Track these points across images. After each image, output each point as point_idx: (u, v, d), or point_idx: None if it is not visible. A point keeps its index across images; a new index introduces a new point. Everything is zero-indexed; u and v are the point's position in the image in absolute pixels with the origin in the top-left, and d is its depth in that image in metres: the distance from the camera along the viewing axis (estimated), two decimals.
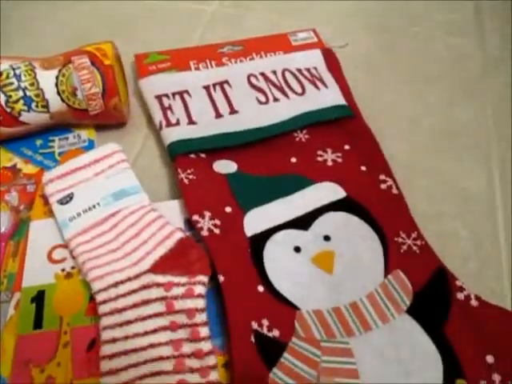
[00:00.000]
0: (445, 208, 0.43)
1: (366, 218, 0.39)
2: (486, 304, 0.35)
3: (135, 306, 0.33)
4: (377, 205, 0.40)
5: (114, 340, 0.32)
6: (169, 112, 0.45)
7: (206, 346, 0.32)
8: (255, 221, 0.39)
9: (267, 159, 0.43)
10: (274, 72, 0.49)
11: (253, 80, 0.48)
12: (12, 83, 0.41)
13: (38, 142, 0.46)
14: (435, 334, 0.33)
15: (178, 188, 0.40)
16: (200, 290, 0.34)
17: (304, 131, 0.45)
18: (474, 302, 0.35)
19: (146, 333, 0.32)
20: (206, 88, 0.47)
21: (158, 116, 0.45)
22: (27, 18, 0.60)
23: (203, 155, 0.42)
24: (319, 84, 0.48)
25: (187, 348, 0.32)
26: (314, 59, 0.51)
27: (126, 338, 0.32)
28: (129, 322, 0.33)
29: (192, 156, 0.42)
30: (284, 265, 0.36)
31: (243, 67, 0.50)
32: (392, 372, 0.32)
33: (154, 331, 0.32)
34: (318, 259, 0.37)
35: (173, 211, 0.40)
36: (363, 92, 0.49)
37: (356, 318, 0.34)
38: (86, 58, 0.42)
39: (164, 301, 0.34)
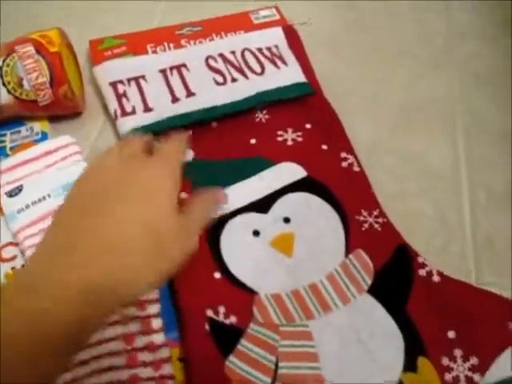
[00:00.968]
0: (409, 185, 0.42)
1: (326, 197, 0.38)
2: (449, 279, 0.34)
3: None
4: (338, 183, 0.39)
5: None
6: (124, 99, 0.43)
7: (158, 338, 0.31)
8: None
9: (226, 142, 0.42)
10: (233, 52, 0.47)
11: (211, 62, 0.46)
12: None
13: None
14: (397, 312, 0.33)
15: None
16: None
17: (264, 111, 0.44)
18: (436, 278, 0.34)
19: None
20: (163, 72, 0.45)
21: (112, 104, 0.43)
22: None
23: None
24: (279, 62, 0.46)
25: (140, 342, 0.30)
26: (274, 37, 0.49)
27: None
28: None
29: None
30: (242, 250, 0.35)
31: (201, 49, 0.48)
32: (353, 352, 0.31)
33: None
34: (276, 242, 0.36)
35: None
36: (327, 70, 0.47)
37: (316, 299, 0.33)
38: (31, 46, 0.40)
39: None
